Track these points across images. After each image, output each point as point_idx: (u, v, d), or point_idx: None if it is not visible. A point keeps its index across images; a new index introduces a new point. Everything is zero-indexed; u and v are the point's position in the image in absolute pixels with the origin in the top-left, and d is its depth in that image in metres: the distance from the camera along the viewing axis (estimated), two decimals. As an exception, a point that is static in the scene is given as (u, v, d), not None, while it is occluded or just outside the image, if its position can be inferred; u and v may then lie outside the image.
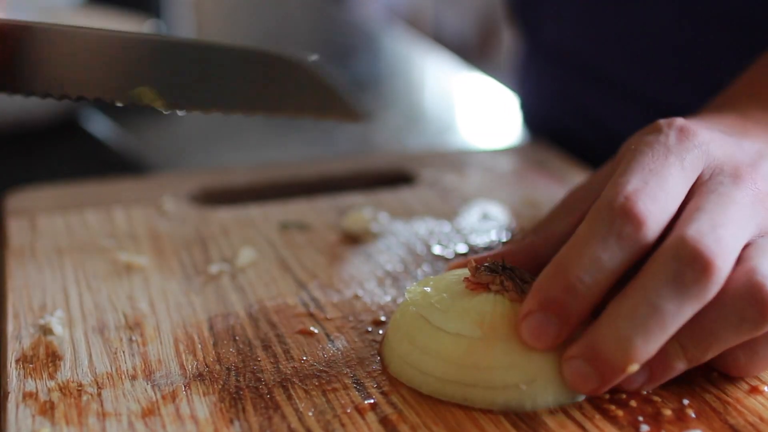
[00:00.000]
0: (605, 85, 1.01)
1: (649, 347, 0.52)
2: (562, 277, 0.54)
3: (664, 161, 0.57)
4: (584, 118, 1.05)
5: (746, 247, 0.55)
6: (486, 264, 0.58)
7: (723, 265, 0.52)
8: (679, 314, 0.52)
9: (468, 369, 0.55)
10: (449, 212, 0.83)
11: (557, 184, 0.90)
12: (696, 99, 0.93)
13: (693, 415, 0.55)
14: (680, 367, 0.55)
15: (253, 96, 0.61)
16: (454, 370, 0.55)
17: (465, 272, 0.59)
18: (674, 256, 0.52)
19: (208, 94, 0.61)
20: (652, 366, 0.54)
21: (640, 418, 0.54)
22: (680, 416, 0.54)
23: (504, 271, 0.58)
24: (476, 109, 1.46)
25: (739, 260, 0.55)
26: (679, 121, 0.60)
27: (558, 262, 0.55)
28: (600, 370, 0.53)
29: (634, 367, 0.52)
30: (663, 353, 0.54)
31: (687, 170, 0.57)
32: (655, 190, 0.55)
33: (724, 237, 0.53)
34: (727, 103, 0.72)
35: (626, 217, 0.54)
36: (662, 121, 0.60)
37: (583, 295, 0.53)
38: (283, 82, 0.60)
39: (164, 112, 0.62)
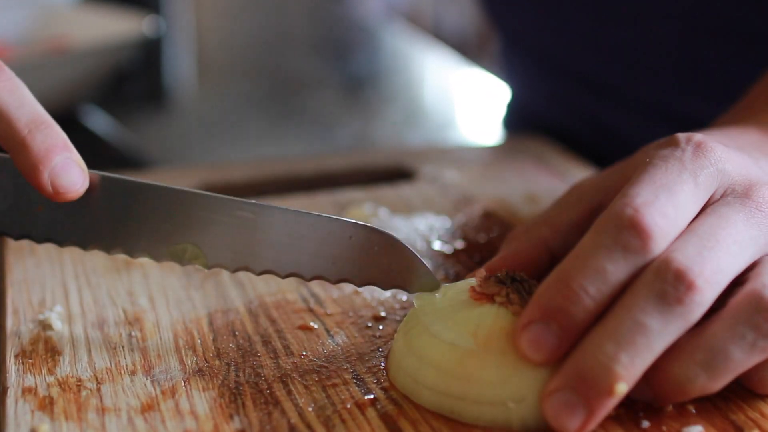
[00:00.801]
0: (595, 87, 1.01)
1: (635, 365, 0.50)
2: (564, 286, 0.52)
3: (678, 177, 0.56)
4: (574, 114, 1.05)
5: (754, 265, 0.55)
6: (497, 275, 0.57)
7: (705, 286, 0.51)
8: (664, 332, 0.51)
9: (458, 380, 0.54)
10: (449, 208, 0.83)
11: (557, 179, 0.90)
12: (690, 100, 0.93)
13: (693, 411, 0.54)
14: (693, 391, 0.53)
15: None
16: (444, 380, 0.54)
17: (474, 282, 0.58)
18: (657, 276, 0.51)
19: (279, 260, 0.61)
20: (663, 393, 0.53)
21: (641, 414, 0.54)
22: (681, 412, 0.54)
23: (512, 283, 0.56)
24: (476, 105, 1.45)
25: (747, 279, 0.54)
26: (698, 136, 0.58)
27: (561, 271, 0.53)
28: (586, 395, 0.51)
29: (622, 387, 0.50)
30: (674, 378, 0.52)
31: (700, 188, 0.56)
32: (665, 205, 0.54)
33: (710, 258, 0.52)
34: (744, 115, 0.72)
35: (633, 229, 0.53)
36: (680, 136, 0.59)
37: (585, 305, 0.52)
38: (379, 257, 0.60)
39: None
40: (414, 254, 0.59)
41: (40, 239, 0.62)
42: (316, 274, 0.60)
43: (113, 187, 0.61)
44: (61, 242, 0.61)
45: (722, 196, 0.57)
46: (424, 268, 0.59)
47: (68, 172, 0.57)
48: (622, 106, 0.99)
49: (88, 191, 0.59)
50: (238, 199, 0.61)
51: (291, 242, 0.60)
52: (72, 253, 0.73)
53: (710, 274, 0.52)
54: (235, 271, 0.61)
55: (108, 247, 0.61)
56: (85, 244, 0.62)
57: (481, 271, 0.58)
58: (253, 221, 0.60)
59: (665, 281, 0.51)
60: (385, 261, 0.60)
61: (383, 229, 0.60)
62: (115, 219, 0.61)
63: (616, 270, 0.52)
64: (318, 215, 0.60)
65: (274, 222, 0.60)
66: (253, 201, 0.61)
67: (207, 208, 0.60)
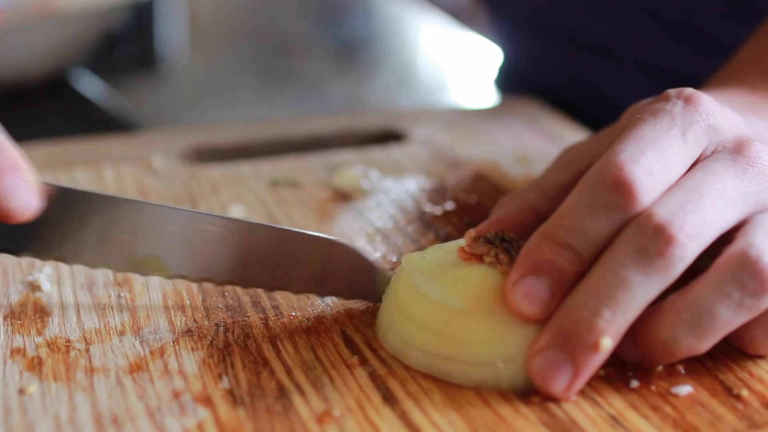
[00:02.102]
0: (585, 47, 1.01)
1: (617, 319, 0.50)
2: (550, 242, 0.53)
3: (666, 133, 0.55)
4: (565, 76, 1.04)
5: (744, 223, 0.54)
6: (485, 235, 0.57)
7: (687, 240, 0.51)
8: (646, 286, 0.51)
9: (447, 341, 0.54)
10: (440, 170, 0.83)
11: (548, 141, 0.89)
12: (681, 58, 0.93)
13: (683, 371, 0.54)
14: (680, 352, 0.53)
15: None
16: (433, 340, 0.54)
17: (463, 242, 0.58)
18: (638, 231, 0.51)
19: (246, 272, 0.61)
20: (651, 354, 0.53)
21: (630, 374, 0.54)
22: (670, 372, 0.54)
23: (501, 243, 0.56)
24: (468, 69, 1.45)
25: (736, 237, 0.53)
26: (689, 90, 0.58)
27: (545, 229, 0.53)
28: (572, 352, 0.51)
29: (606, 342, 0.50)
30: (661, 339, 0.52)
31: (689, 143, 0.55)
32: (652, 162, 0.53)
33: (692, 212, 0.52)
34: (733, 76, 0.71)
35: (616, 188, 0.52)
36: (672, 90, 0.58)
37: (572, 259, 0.52)
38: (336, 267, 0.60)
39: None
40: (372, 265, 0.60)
41: None
42: (279, 286, 0.61)
43: (69, 199, 0.59)
44: (17, 253, 0.60)
45: (713, 152, 0.56)
46: (382, 275, 0.60)
47: (17, 193, 0.56)
48: (613, 66, 0.99)
49: (44, 204, 0.57)
50: (201, 212, 0.61)
51: (253, 256, 0.60)
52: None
53: (692, 227, 0.51)
54: (196, 281, 0.61)
55: (65, 259, 0.60)
56: (41, 255, 0.60)
57: (470, 232, 0.58)
58: (218, 234, 0.60)
59: (645, 236, 0.51)
60: (346, 274, 0.60)
61: (342, 241, 0.60)
62: (73, 231, 0.59)
63: (599, 228, 0.52)
64: (284, 229, 0.60)
65: (237, 235, 0.60)
66: (216, 214, 0.61)
67: (169, 221, 0.60)
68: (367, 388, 0.53)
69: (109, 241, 0.60)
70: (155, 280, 0.64)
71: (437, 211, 0.75)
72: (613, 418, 0.51)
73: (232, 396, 0.52)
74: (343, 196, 0.77)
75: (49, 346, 0.57)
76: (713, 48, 0.86)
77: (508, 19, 1.11)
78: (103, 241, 0.60)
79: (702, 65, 0.81)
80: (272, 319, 0.59)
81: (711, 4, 0.90)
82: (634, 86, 0.94)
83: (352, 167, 0.81)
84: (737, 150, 0.56)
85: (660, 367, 0.55)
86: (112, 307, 0.61)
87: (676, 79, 0.71)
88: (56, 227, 0.59)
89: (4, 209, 0.55)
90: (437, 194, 0.78)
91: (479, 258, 0.56)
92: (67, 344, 0.57)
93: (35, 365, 0.55)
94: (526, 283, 0.52)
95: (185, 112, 1.31)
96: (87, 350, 0.56)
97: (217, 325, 0.59)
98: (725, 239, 0.54)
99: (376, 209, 0.75)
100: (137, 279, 0.64)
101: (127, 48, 1.51)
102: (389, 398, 0.52)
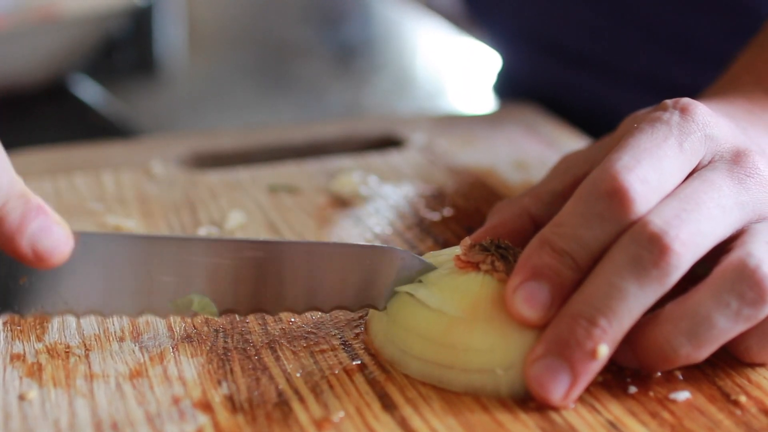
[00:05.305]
0: (581, 59, 1.01)
1: (613, 327, 0.51)
2: (548, 249, 0.53)
3: (663, 141, 0.55)
4: (562, 86, 1.04)
5: (742, 233, 0.54)
6: (481, 243, 0.57)
7: (682, 249, 0.51)
8: (641, 295, 0.51)
9: (446, 348, 0.54)
10: (438, 176, 0.83)
11: (546, 147, 0.90)
12: (678, 69, 0.93)
13: (681, 378, 0.55)
14: (678, 360, 0.53)
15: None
16: (432, 348, 0.54)
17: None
18: (633, 240, 0.51)
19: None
20: (649, 361, 0.53)
21: (629, 380, 0.54)
22: (668, 378, 0.54)
23: (497, 250, 0.56)
24: (466, 74, 1.45)
25: (734, 246, 0.53)
26: (685, 100, 0.58)
27: (543, 236, 0.54)
28: (569, 359, 0.51)
29: (603, 350, 0.51)
30: (659, 347, 0.52)
31: (686, 153, 0.55)
32: (647, 171, 0.53)
33: (688, 221, 0.52)
34: (730, 86, 0.71)
35: (611, 196, 0.52)
36: (668, 101, 0.58)
37: (570, 265, 0.52)
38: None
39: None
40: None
41: (25, 312, 0.55)
42: (336, 305, 0.57)
43: (98, 245, 0.55)
44: (50, 312, 0.56)
45: (710, 162, 0.57)
46: None
47: (50, 235, 0.53)
48: (611, 79, 0.99)
49: (72, 253, 0.54)
50: (244, 239, 0.57)
51: (306, 276, 0.57)
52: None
53: (687, 236, 0.51)
54: (247, 314, 0.57)
55: (103, 312, 0.56)
56: (78, 311, 0.56)
57: (466, 240, 0.58)
58: (264, 260, 0.56)
59: (640, 245, 0.51)
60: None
61: (391, 246, 0.58)
62: (106, 279, 0.56)
63: (595, 236, 0.52)
64: (330, 244, 0.58)
65: (285, 258, 0.56)
66: (261, 239, 0.57)
67: (210, 253, 0.56)
68: (366, 394, 0.53)
69: (149, 285, 0.56)
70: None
71: (436, 217, 0.75)
72: (612, 424, 0.51)
73: (231, 402, 0.52)
74: (342, 203, 0.78)
75: (48, 352, 0.57)
76: (710, 61, 0.87)
77: (504, 34, 1.11)
78: (141, 286, 0.56)
79: (699, 78, 0.81)
80: (271, 325, 0.59)
81: (707, 18, 0.90)
82: (633, 98, 0.94)
83: (351, 173, 0.82)
84: (734, 160, 0.56)
85: (658, 373, 0.55)
86: (111, 313, 0.61)
87: (675, 91, 0.71)
88: (88, 278, 0.55)
89: (38, 252, 0.52)
90: (436, 200, 0.78)
91: (475, 266, 0.56)
92: (67, 350, 0.57)
93: (35, 371, 0.55)
94: (526, 288, 0.52)
95: (184, 117, 1.31)
96: (86, 356, 0.56)
97: (216, 331, 0.59)
98: (723, 248, 0.54)
99: (375, 215, 0.75)
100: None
101: (126, 54, 1.51)
102: (388, 404, 0.52)
